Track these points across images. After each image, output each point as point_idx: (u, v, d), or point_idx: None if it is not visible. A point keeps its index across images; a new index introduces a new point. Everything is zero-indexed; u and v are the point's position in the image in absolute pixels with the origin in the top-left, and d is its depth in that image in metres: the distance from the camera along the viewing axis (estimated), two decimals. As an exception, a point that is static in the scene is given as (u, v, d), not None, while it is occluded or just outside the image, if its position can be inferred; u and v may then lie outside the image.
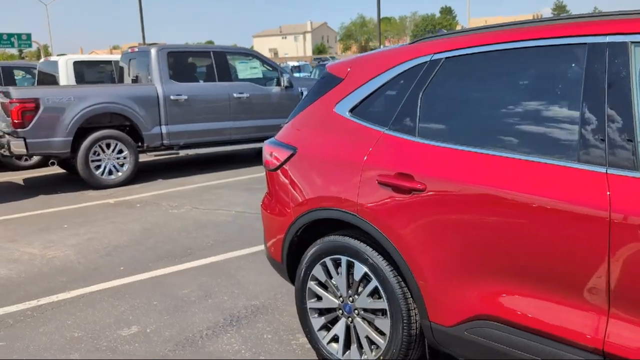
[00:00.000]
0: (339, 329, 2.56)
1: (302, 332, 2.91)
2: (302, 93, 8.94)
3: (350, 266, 2.46)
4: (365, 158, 2.33)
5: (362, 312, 2.44)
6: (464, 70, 2.17)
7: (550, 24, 1.99)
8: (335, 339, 2.59)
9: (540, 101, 1.95)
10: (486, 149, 1.99)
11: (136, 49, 8.60)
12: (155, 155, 8.17)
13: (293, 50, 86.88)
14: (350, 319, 2.50)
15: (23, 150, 6.93)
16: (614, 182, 1.69)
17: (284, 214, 2.74)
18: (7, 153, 7.13)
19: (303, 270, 2.66)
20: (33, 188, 7.76)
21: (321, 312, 2.66)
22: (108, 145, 7.47)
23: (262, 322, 3.22)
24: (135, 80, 8.46)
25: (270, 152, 2.85)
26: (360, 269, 2.40)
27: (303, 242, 2.74)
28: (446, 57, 2.21)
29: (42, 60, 11.43)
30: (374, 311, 2.40)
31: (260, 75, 8.96)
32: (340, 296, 2.53)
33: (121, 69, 8.95)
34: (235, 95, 8.37)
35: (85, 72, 10.11)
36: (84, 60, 10.50)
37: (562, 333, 1.81)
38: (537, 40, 1.94)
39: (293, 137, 2.78)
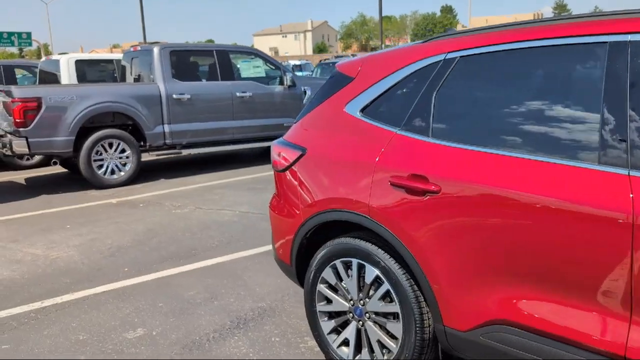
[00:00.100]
0: (349, 332, 2.52)
1: (310, 335, 2.87)
2: (304, 92, 8.89)
3: (361, 269, 2.41)
4: (377, 159, 2.29)
5: (374, 315, 2.40)
6: (479, 69, 2.12)
7: (569, 22, 1.94)
8: (345, 343, 2.55)
9: (559, 101, 1.90)
10: (503, 151, 1.95)
11: (139, 48, 8.56)
12: (158, 155, 8.13)
13: (293, 49, 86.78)
14: (361, 322, 2.46)
15: (25, 150, 6.89)
16: (637, 184, 1.65)
17: (293, 215, 2.70)
18: (9, 152, 7.08)
19: (312, 272, 2.62)
20: (35, 188, 7.72)
21: (331, 315, 2.61)
22: (110, 145, 7.42)
23: (269, 325, 3.17)
24: (138, 79, 8.42)
25: (279, 152, 2.81)
26: (371, 272, 2.35)
27: (312, 244, 2.70)
28: (461, 56, 2.17)
29: (43, 59, 11.38)
30: (386, 315, 2.36)
31: (263, 74, 8.92)
32: (351, 299, 2.48)
33: (123, 67, 8.90)
34: (238, 94, 8.33)
35: (87, 71, 10.07)
36: (86, 59, 10.45)
37: (581, 338, 1.77)
38: (556, 39, 1.89)
39: (302, 137, 2.73)
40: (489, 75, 2.11)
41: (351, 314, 2.50)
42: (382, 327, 2.38)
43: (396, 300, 2.27)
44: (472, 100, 2.15)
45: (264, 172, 8.04)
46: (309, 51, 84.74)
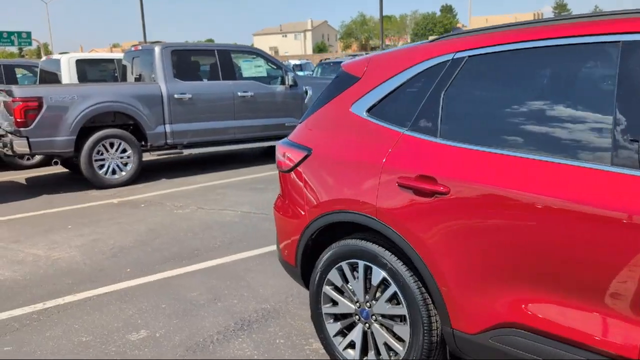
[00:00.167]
0: (355, 335, 2.49)
1: (315, 337, 2.85)
2: (306, 92, 8.87)
3: (367, 271, 2.39)
4: (384, 160, 2.26)
5: (380, 318, 2.37)
6: (489, 69, 2.10)
7: (579, 22, 1.91)
8: (351, 345, 2.53)
9: (571, 101, 1.87)
10: (512, 152, 1.93)
11: (140, 47, 8.53)
12: (159, 155, 8.10)
13: (293, 48, 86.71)
14: (367, 324, 2.44)
15: (26, 150, 6.86)
16: (651, 186, 1.62)
17: (299, 216, 2.67)
18: (9, 152, 7.06)
19: (318, 274, 2.60)
20: (35, 188, 7.69)
21: (337, 317, 2.59)
22: (112, 145, 7.40)
23: (273, 327, 3.15)
24: (139, 78, 8.39)
25: (284, 152, 2.78)
26: (378, 274, 2.33)
27: (317, 245, 2.67)
28: (469, 56, 2.14)
29: (44, 58, 11.35)
30: (393, 317, 2.33)
31: (265, 74, 8.89)
32: (357, 301, 2.46)
33: (124, 67, 8.87)
34: (239, 94, 8.30)
35: (88, 70, 10.04)
36: (87, 58, 10.42)
37: (594, 342, 1.74)
38: (567, 38, 1.86)
39: (307, 137, 2.71)
40: (499, 74, 2.08)
41: (357, 316, 2.47)
42: (389, 330, 2.36)
43: (403, 303, 2.25)
44: (481, 100, 2.12)
45: (266, 172, 8.02)
46: (309, 51, 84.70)
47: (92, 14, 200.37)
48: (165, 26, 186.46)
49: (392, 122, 2.34)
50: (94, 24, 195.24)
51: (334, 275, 2.53)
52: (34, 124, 6.76)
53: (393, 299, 2.31)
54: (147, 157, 8.13)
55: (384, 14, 25.87)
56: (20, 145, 6.81)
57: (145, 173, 8.06)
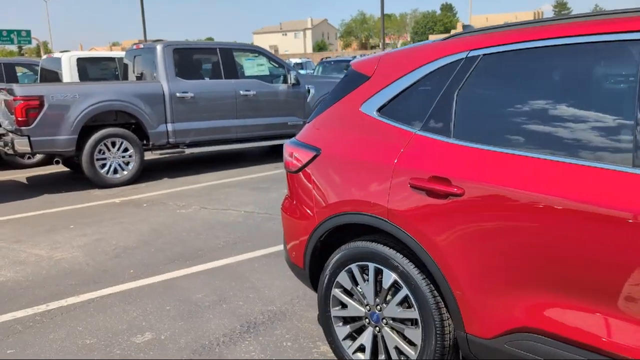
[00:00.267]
0: (365, 338, 2.45)
1: (323, 340, 2.81)
2: (308, 91, 8.82)
3: (378, 273, 2.35)
4: (395, 160, 2.22)
5: (391, 321, 2.33)
6: (505, 67, 2.05)
7: (598, 19, 1.86)
8: (361, 349, 2.49)
9: (592, 101, 1.83)
10: (528, 153, 1.88)
11: (141, 46, 8.47)
12: (161, 154, 8.04)
13: (294, 47, 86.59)
14: (377, 328, 2.39)
15: (27, 149, 6.81)
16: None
17: (307, 217, 2.63)
18: (10, 151, 7.01)
19: (327, 277, 2.55)
20: (37, 187, 7.64)
21: (346, 320, 2.55)
22: (113, 144, 7.34)
23: (280, 329, 3.11)
24: (140, 77, 8.33)
25: (291, 152, 2.74)
26: (389, 277, 2.29)
27: (326, 247, 2.63)
28: (484, 54, 2.09)
29: (44, 57, 11.29)
30: (404, 321, 2.29)
31: (267, 73, 8.83)
32: (367, 304, 2.42)
33: (125, 66, 8.81)
34: (241, 92, 8.24)
35: (89, 69, 9.98)
36: (88, 57, 10.36)
37: (613, 348, 1.70)
38: (586, 37, 1.82)
39: (316, 137, 2.66)
40: (514, 73, 2.03)
41: (367, 320, 2.43)
42: (400, 334, 2.32)
43: (415, 306, 2.21)
44: (497, 99, 2.07)
45: (268, 172, 7.97)
46: (309, 49, 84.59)
47: (91, 12, 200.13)
48: (165, 25, 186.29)
49: (404, 121, 2.29)
50: (93, 23, 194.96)
51: (343, 278, 2.49)
52: (35, 122, 6.71)
53: (404, 302, 2.27)
54: (149, 156, 8.08)
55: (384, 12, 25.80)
56: (22, 144, 6.75)
57: (147, 172, 8.01)
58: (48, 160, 8.48)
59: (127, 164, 7.47)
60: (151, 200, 6.53)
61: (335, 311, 2.56)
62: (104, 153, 7.27)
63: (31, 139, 6.73)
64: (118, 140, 7.37)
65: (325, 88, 8.85)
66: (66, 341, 3.08)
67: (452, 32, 2.91)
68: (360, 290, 2.44)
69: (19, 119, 6.64)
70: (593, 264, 1.72)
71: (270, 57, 8.99)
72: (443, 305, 2.16)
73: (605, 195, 1.68)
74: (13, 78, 11.14)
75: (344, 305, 2.53)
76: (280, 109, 8.64)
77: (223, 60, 8.22)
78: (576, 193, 1.73)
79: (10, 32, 29.06)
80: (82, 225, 5.50)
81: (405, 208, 2.16)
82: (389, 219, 2.21)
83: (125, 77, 8.86)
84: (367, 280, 2.40)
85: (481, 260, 1.96)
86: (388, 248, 2.28)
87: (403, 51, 2.53)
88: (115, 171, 7.39)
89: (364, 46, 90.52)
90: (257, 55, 8.91)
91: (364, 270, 2.41)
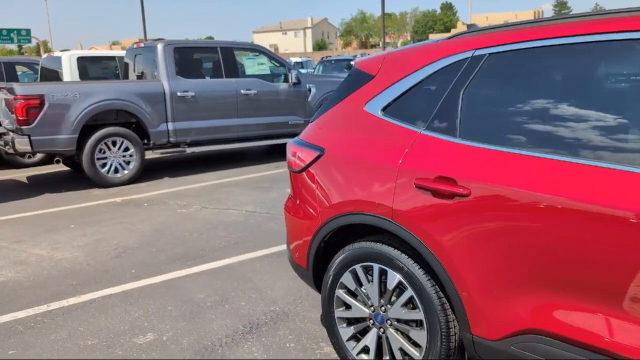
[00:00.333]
0: (369, 339, 2.43)
1: (326, 341, 2.79)
2: (309, 90, 8.80)
3: (382, 274, 2.33)
4: (400, 160, 2.20)
5: (396, 322, 2.31)
6: (512, 66, 2.03)
7: (608, 18, 1.84)
8: (365, 350, 2.47)
9: (601, 100, 1.81)
10: (536, 152, 1.86)
11: (142, 45, 8.45)
12: (162, 153, 8.01)
13: (293, 46, 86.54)
14: (382, 329, 2.37)
15: (27, 148, 6.79)
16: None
17: (311, 217, 2.61)
18: (11, 150, 6.99)
19: (331, 277, 2.53)
20: (37, 186, 7.62)
21: (350, 321, 2.53)
22: (114, 143, 7.32)
23: (283, 330, 3.09)
24: (141, 76, 8.31)
25: (295, 152, 2.72)
26: (393, 278, 2.27)
27: (330, 248, 2.61)
28: (490, 53, 2.07)
29: (44, 56, 11.27)
30: (409, 322, 2.27)
31: (268, 72, 8.82)
32: (371, 305, 2.40)
33: (126, 64, 8.79)
34: (242, 91, 8.22)
35: (89, 68, 9.96)
36: (88, 56, 10.34)
37: (622, 350, 1.68)
38: (596, 35, 1.79)
39: (320, 137, 2.64)
40: (521, 73, 2.01)
41: (372, 321, 2.41)
42: (405, 335, 2.30)
43: (420, 308, 2.19)
44: (503, 98, 2.05)
45: (270, 171, 7.96)
46: (309, 48, 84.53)
47: (91, 11, 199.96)
48: (164, 24, 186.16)
49: (409, 121, 2.27)
50: (93, 22, 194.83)
51: (347, 279, 2.47)
52: (35, 122, 6.69)
53: (409, 303, 2.25)
54: (150, 155, 8.05)
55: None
56: (22, 144, 6.73)
57: (148, 172, 7.99)
58: (48, 160, 8.46)
59: (128, 163, 7.45)
60: (152, 199, 6.51)
61: (339, 312, 2.54)
62: (104, 152, 7.25)
63: (32, 138, 6.71)
64: (119, 140, 7.35)
65: (326, 87, 8.84)
66: (68, 342, 3.06)
67: (453, 31, 2.90)
68: (365, 291, 2.42)
69: (20, 118, 6.62)
70: (601, 265, 1.70)
71: (271, 56, 8.97)
72: (448, 307, 2.14)
73: (615, 196, 1.66)
74: (13, 77, 11.12)
75: (348, 306, 2.51)
76: (281, 108, 8.62)
77: (224, 59, 8.20)
78: (585, 193, 1.71)
79: (10, 31, 29.00)
80: (82, 225, 5.48)
81: (410, 208, 2.14)
82: (393, 219, 2.19)
83: (125, 76, 8.84)
84: (372, 281, 2.38)
85: (488, 261, 1.94)
86: (392, 249, 2.27)
87: (408, 50, 2.51)
88: (116, 170, 7.37)
89: (364, 45, 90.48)
90: (257, 54, 8.89)
91: (368, 271, 2.39)
